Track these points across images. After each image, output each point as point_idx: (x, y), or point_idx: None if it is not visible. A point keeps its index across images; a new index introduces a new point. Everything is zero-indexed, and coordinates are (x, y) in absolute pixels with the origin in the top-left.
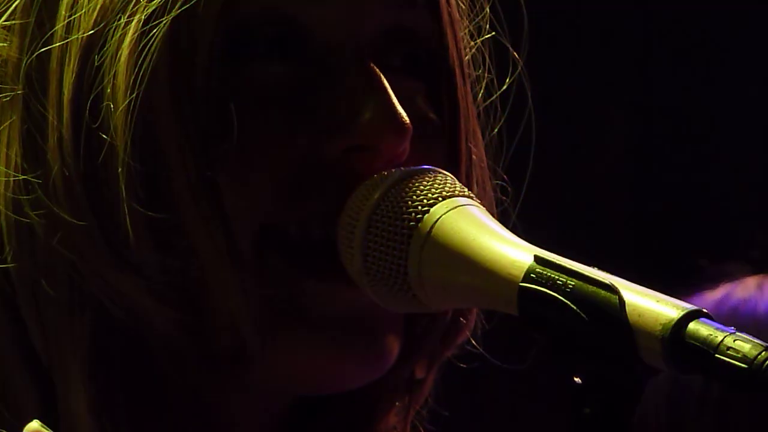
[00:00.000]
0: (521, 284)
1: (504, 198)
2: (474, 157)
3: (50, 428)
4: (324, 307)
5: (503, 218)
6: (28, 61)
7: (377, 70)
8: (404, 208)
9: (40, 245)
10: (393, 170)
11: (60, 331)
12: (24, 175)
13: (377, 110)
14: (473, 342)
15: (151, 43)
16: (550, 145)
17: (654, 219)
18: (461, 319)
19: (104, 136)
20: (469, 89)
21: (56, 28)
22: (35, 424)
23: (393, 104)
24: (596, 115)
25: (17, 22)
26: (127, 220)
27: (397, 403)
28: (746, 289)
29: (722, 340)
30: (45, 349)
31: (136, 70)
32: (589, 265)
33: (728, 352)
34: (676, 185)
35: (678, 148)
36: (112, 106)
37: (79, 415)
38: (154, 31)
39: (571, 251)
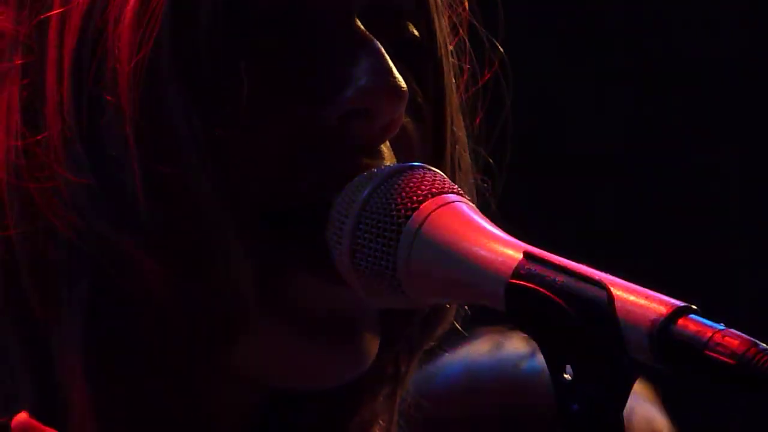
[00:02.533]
0: (510, 280)
1: (486, 186)
2: (458, 145)
3: (46, 395)
4: (309, 302)
5: (491, 208)
6: (27, 30)
7: (369, 34)
8: (394, 205)
9: (40, 210)
10: (383, 166)
11: (59, 296)
12: (24, 140)
13: (373, 73)
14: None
15: (154, 5)
16: (534, 135)
17: (647, 212)
18: (442, 307)
19: (107, 96)
20: (453, 78)
21: None
22: (24, 415)
23: (389, 67)
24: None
25: None
26: (136, 175)
27: (380, 393)
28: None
29: (711, 336)
30: (43, 315)
31: (141, 31)
32: (579, 262)
33: (717, 348)
34: (672, 175)
35: (676, 137)
36: (117, 67)
37: (74, 382)
38: None
39: (557, 246)
